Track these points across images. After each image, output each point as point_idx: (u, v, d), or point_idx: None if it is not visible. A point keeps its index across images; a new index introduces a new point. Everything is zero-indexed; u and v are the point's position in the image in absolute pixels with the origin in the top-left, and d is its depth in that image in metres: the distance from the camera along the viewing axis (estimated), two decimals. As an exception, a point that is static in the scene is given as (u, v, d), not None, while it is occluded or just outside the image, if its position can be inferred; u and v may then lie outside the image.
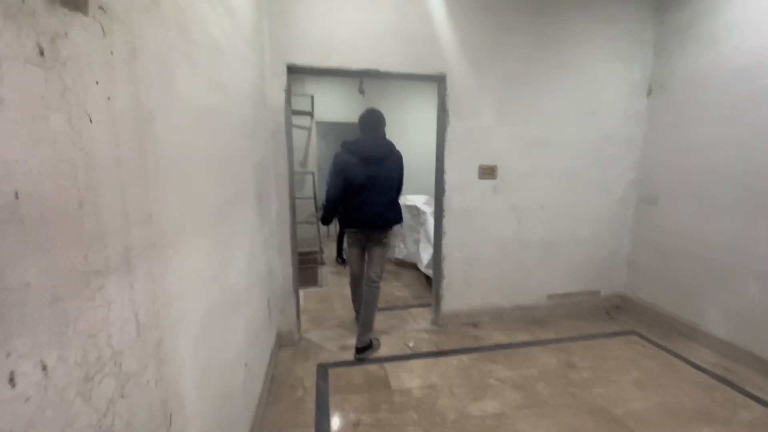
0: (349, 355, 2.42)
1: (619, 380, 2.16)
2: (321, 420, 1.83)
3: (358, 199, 2.33)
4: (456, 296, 2.83)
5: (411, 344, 2.57)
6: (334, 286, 3.73)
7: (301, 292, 3.49)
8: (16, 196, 0.43)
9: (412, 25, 2.44)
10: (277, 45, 2.26)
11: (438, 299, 2.82)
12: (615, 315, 3.07)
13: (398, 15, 2.41)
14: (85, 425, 0.53)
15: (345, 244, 4.18)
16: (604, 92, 2.86)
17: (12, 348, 0.42)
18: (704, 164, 2.53)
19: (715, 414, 1.88)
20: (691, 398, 2.00)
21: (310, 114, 5.31)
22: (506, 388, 2.08)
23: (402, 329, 2.80)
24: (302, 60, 2.32)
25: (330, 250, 5.04)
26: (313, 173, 5.09)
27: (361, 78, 2.51)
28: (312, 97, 5.27)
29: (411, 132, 5.77)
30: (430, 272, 3.31)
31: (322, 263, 4.57)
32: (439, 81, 2.58)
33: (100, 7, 0.59)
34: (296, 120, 5.31)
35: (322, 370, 2.25)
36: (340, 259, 4.55)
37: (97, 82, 0.58)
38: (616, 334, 2.74)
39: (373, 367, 2.29)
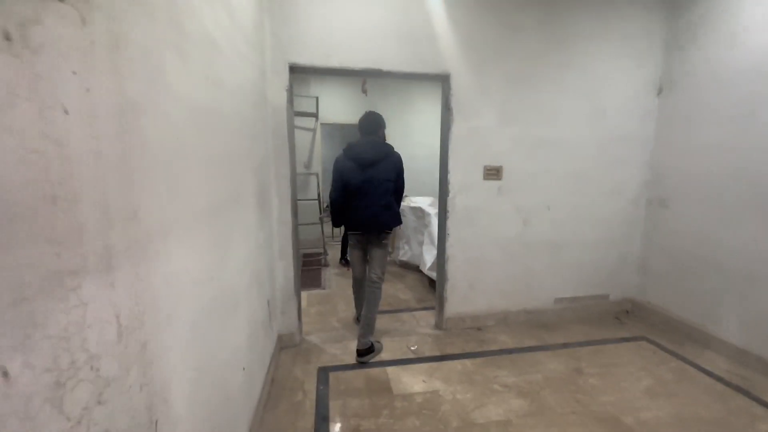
0: (351, 358, 2.38)
1: (629, 387, 2.09)
2: (320, 425, 1.79)
3: (355, 202, 2.38)
4: (460, 299, 2.77)
5: (414, 348, 2.52)
6: (338, 288, 3.70)
7: (304, 293, 3.46)
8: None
9: (416, 24, 2.41)
10: (278, 44, 2.24)
11: (441, 302, 2.77)
12: (625, 320, 2.99)
13: (401, 13, 2.38)
14: (54, 434, 0.50)
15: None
16: (612, 91, 2.80)
17: (-34, 352, 0.39)
18: (718, 165, 2.45)
19: (731, 425, 1.80)
20: (705, 408, 1.92)
21: (315, 115, 5.30)
22: (511, 394, 2.02)
23: (405, 332, 2.75)
24: (304, 59, 2.30)
25: (334, 252, 5.01)
26: (317, 174, 5.07)
27: (364, 78, 2.46)
28: (317, 99, 5.26)
29: (415, 133, 5.74)
30: (433, 275, 3.26)
31: (326, 265, 4.54)
32: (443, 80, 2.54)
33: (79, -6, 0.57)
34: (301, 121, 5.32)
35: (323, 373, 2.22)
36: (344, 260, 4.52)
37: (74, 72, 0.55)
38: (625, 339, 2.66)
39: (374, 371, 2.24)
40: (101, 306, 0.60)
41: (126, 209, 0.69)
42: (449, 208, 2.65)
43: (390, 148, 2.43)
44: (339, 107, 5.43)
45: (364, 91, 2.68)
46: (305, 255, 4.87)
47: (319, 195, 4.93)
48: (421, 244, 3.83)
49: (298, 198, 5.29)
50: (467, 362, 2.34)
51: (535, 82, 2.64)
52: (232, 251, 1.41)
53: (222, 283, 1.29)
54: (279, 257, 2.44)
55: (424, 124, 5.63)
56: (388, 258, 3.69)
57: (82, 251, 0.56)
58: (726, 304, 2.42)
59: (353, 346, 2.51)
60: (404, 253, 4.24)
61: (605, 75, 2.75)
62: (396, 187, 2.46)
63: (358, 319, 2.81)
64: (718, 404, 1.95)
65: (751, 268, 2.26)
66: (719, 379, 2.17)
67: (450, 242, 2.69)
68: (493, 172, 2.69)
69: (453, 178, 2.62)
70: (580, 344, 2.58)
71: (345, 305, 3.22)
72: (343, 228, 3.88)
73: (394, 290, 3.61)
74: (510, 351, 2.48)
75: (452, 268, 2.72)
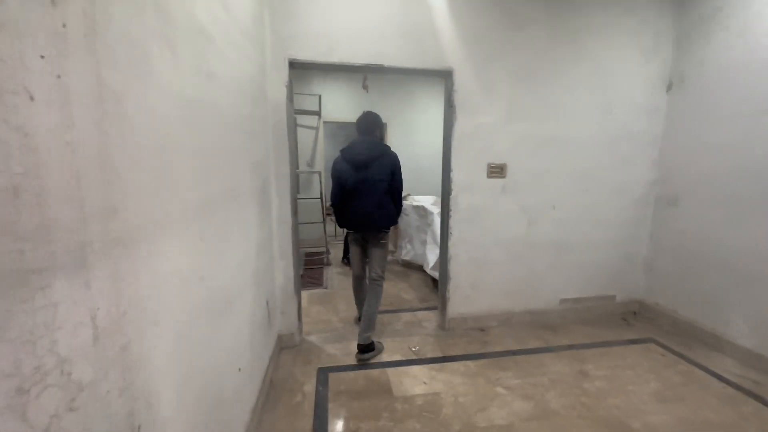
0: (351, 358, 2.35)
1: (636, 391, 2.03)
2: (318, 427, 1.75)
3: (351, 202, 2.40)
4: (463, 299, 2.72)
5: (415, 348, 2.48)
6: (340, 288, 3.66)
7: (305, 293, 3.43)
8: None
9: (418, 19, 2.36)
10: (278, 39, 2.21)
11: (444, 302, 2.72)
12: (632, 321, 2.92)
13: (404, 7, 2.33)
14: (17, 445, 0.46)
15: (350, 245, 4.12)
16: (620, 87, 2.73)
17: None
18: (730, 163, 2.37)
19: (743, 431, 1.74)
20: (715, 413, 1.86)
21: (318, 113, 5.27)
22: (515, 397, 1.97)
23: (406, 333, 2.71)
24: (304, 55, 2.26)
25: (337, 251, 4.98)
26: (320, 173, 5.04)
27: (365, 74, 2.42)
28: (319, 97, 5.23)
29: (419, 131, 5.69)
30: (436, 274, 3.21)
31: (328, 264, 4.51)
32: (446, 76, 2.49)
33: (48, -27, 0.53)
34: (304, 119, 5.29)
35: (323, 374, 2.18)
36: (346, 260, 4.48)
37: (42, 56, 0.52)
38: (632, 341, 2.59)
39: (374, 372, 2.20)
40: (74, 306, 0.57)
41: (105, 204, 0.65)
42: (452, 206, 2.60)
43: (386, 147, 2.40)
44: (342, 105, 5.39)
45: (365, 88, 2.65)
46: (307, 254, 4.85)
47: (321, 193, 4.90)
48: (424, 243, 3.78)
49: (301, 197, 5.28)
50: (470, 364, 2.29)
51: (541, 78, 2.58)
52: (227, 250, 1.38)
53: (216, 282, 1.26)
54: (279, 256, 2.41)
55: (428, 122, 5.58)
56: (390, 257, 3.64)
57: (51, 249, 0.52)
58: (736, 306, 2.35)
59: (354, 346, 2.47)
60: (407, 253, 4.20)
61: (613, 71, 2.69)
62: (392, 186, 2.41)
63: (359, 319, 2.77)
64: (728, 409, 1.89)
65: (763, 269, 2.19)
66: (730, 383, 2.10)
67: (453, 241, 2.64)
68: (497, 170, 2.63)
69: (456, 176, 2.57)
70: (586, 346, 2.52)
71: (346, 305, 3.18)
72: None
73: (396, 290, 3.56)
74: (513, 353, 2.43)
75: (455, 267, 2.67)
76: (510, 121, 2.59)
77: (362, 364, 2.30)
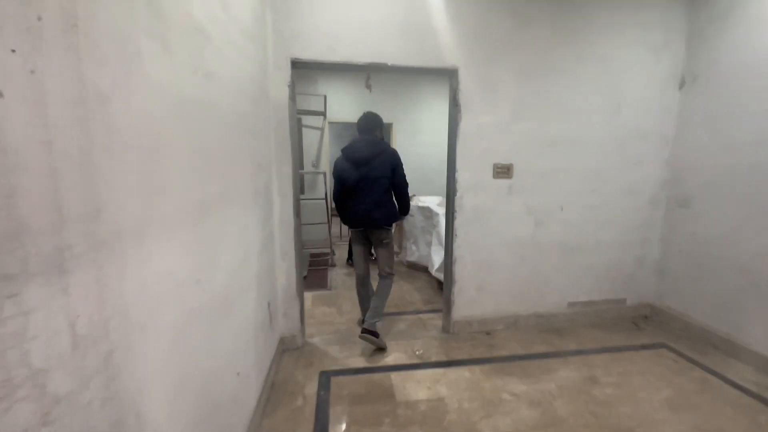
0: (354, 361, 2.31)
1: (647, 399, 1.96)
2: (319, 433, 1.72)
3: (351, 200, 2.44)
4: (468, 302, 2.67)
5: (419, 352, 2.43)
6: (344, 289, 3.63)
7: (309, 294, 3.41)
8: None
9: (422, 17, 2.32)
10: (280, 38, 2.18)
11: (449, 305, 2.68)
12: (643, 325, 2.84)
13: (407, 6, 2.29)
14: (-19, 464, 0.44)
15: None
16: (630, 85, 2.66)
17: None
18: (745, 162, 2.29)
19: (760, 442, 1.67)
20: (730, 422, 1.79)
21: (323, 114, 5.25)
22: (521, 404, 1.92)
23: (411, 335, 2.66)
24: (307, 54, 2.24)
25: (342, 252, 4.95)
26: (324, 174, 5.02)
27: (368, 73, 2.39)
28: (324, 97, 5.21)
29: (424, 131, 5.64)
30: (441, 276, 3.16)
31: (333, 265, 4.49)
32: (450, 75, 2.44)
33: (21, -37, 0.50)
34: (309, 120, 5.28)
35: (324, 377, 2.15)
36: (351, 261, 4.45)
37: (13, 51, 0.49)
38: (644, 346, 2.51)
39: (377, 376, 2.16)
40: (50, 315, 0.54)
41: (87, 206, 0.63)
42: (457, 207, 2.55)
43: (385, 145, 2.43)
44: (347, 106, 5.37)
45: (368, 87, 2.62)
46: (312, 255, 4.83)
47: (326, 194, 4.88)
48: (429, 244, 3.73)
49: (306, 197, 5.28)
50: (475, 368, 2.24)
51: (548, 76, 2.52)
52: (225, 251, 1.35)
53: (214, 284, 1.23)
54: (281, 258, 2.38)
55: (434, 122, 5.53)
56: (396, 258, 3.61)
57: (22, 254, 0.50)
58: (752, 310, 2.26)
59: (357, 349, 2.45)
60: (412, 254, 4.15)
61: (621, 68, 2.61)
62: (394, 182, 2.44)
63: (362, 321, 2.74)
64: (744, 418, 1.81)
65: (782, 273, 2.11)
66: (746, 391, 2.02)
67: (458, 243, 2.59)
68: (503, 171, 2.58)
69: (461, 176, 2.52)
70: (595, 351, 2.45)
71: (350, 306, 3.15)
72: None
73: (401, 292, 3.52)
74: (520, 357, 2.37)
75: (460, 269, 2.62)
76: (516, 120, 2.53)
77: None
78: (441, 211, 3.49)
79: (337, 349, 2.47)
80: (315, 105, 5.19)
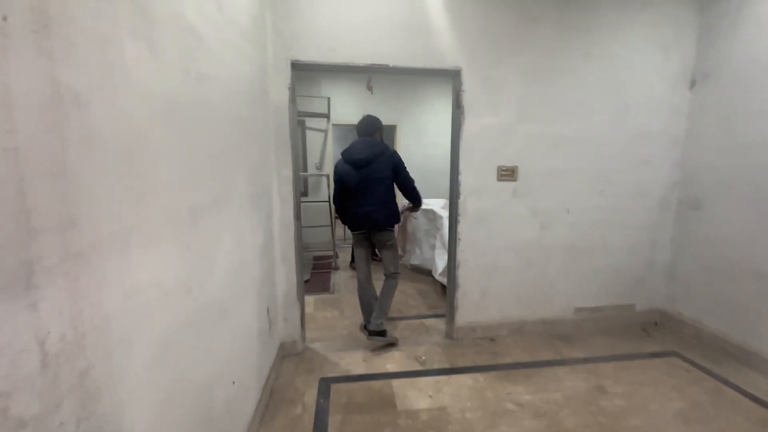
0: (354, 368, 2.27)
1: (658, 411, 1.89)
2: (318, 443, 1.68)
3: (353, 202, 2.45)
4: (472, 307, 2.62)
5: (422, 359, 2.38)
6: (347, 292, 3.59)
7: (311, 298, 3.38)
8: None
9: (425, 16, 2.28)
10: (280, 40, 2.16)
11: (452, 310, 2.62)
12: (653, 332, 2.76)
13: (409, 5, 2.25)
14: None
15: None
16: (639, 85, 2.58)
17: None
18: (760, 163, 2.21)
19: (778, 458, 1.59)
20: (747, 436, 1.71)
21: (327, 116, 5.23)
22: (526, 414, 1.86)
23: (413, 341, 2.61)
24: (307, 56, 2.21)
25: (345, 255, 4.92)
26: (328, 176, 4.99)
27: (369, 74, 2.36)
28: (328, 99, 5.19)
29: (429, 133, 5.59)
30: (445, 280, 3.10)
31: (336, 268, 4.45)
32: (453, 76, 2.40)
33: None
34: (313, 122, 5.26)
35: (324, 385, 2.11)
36: (355, 264, 4.41)
37: (-28, 52, 0.46)
38: (654, 354, 2.44)
39: (378, 384, 2.12)
40: (14, 333, 0.51)
41: (60, 216, 0.59)
42: (460, 211, 2.50)
43: (384, 146, 2.43)
44: (351, 108, 5.33)
45: (369, 89, 2.59)
46: (315, 257, 4.80)
47: (330, 196, 4.85)
48: (432, 248, 3.68)
49: (309, 200, 5.26)
50: (478, 376, 2.18)
51: (553, 76, 2.46)
52: (220, 258, 1.32)
53: (207, 292, 1.20)
54: (281, 262, 2.35)
55: (438, 123, 5.47)
56: (400, 261, 3.57)
57: (-20, 269, 0.46)
58: (769, 318, 2.18)
59: (358, 355, 2.41)
60: (416, 257, 4.10)
61: (630, 67, 2.55)
62: (399, 183, 2.49)
63: (365, 327, 2.70)
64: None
65: (800, 279, 2.02)
66: (763, 403, 1.94)
67: (461, 247, 2.54)
68: (507, 173, 2.52)
69: (464, 179, 2.47)
70: (603, 359, 2.37)
71: (352, 311, 3.11)
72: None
73: (404, 296, 3.47)
74: (525, 365, 2.31)
75: (463, 274, 2.57)
76: (521, 121, 2.47)
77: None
78: (445, 214, 3.44)
79: (338, 354, 2.43)
80: (319, 107, 5.17)
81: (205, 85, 1.21)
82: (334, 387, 2.09)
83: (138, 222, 0.82)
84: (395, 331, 2.74)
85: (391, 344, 2.50)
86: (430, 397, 1.99)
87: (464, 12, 2.31)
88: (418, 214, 3.95)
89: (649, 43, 2.54)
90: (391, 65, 2.28)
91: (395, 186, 2.53)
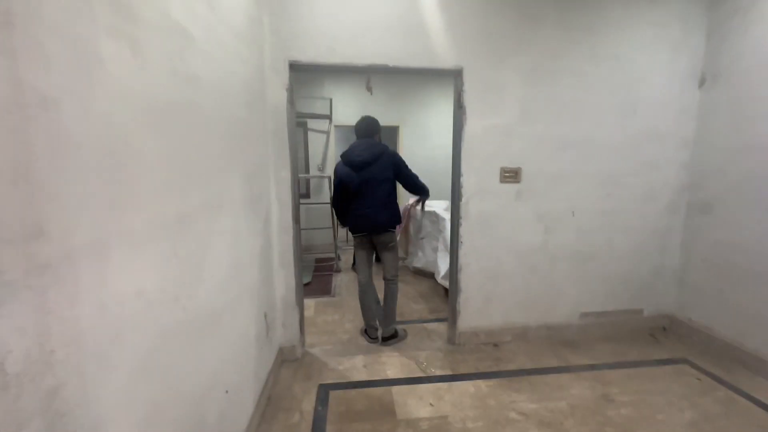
0: (354, 374, 2.22)
1: (667, 421, 1.82)
2: (314, 453, 1.64)
3: (354, 204, 2.43)
4: (474, 312, 2.56)
5: (423, 365, 2.33)
6: (348, 295, 3.55)
7: (312, 301, 3.34)
8: None
9: (425, 16, 2.23)
10: (277, 40, 2.12)
11: (454, 315, 2.57)
12: (661, 338, 2.68)
13: (410, 4, 2.21)
14: None
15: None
16: (646, 85, 2.51)
17: None
18: (773, 165, 2.13)
19: (795, 474, 1.52)
20: (761, 450, 1.64)
21: (329, 117, 5.20)
22: (530, 424, 1.80)
23: (415, 346, 2.56)
24: (306, 56, 2.17)
25: (347, 257, 4.88)
26: (330, 178, 4.95)
27: (369, 75, 2.33)
28: (330, 100, 5.17)
29: (432, 134, 5.54)
30: (447, 284, 3.05)
31: (338, 270, 4.41)
32: (454, 76, 2.35)
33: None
34: (315, 123, 5.23)
35: (323, 391, 2.06)
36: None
37: None
38: (663, 362, 2.36)
39: (378, 391, 2.07)
40: (-33, 354, 0.47)
41: (24, 226, 0.56)
42: (462, 213, 2.45)
43: (384, 147, 2.43)
44: (354, 109, 5.29)
45: (369, 90, 2.55)
46: (318, 260, 4.77)
47: (331, 198, 4.82)
48: (435, 250, 3.62)
49: (311, 201, 5.23)
50: (481, 383, 2.13)
51: (558, 75, 2.40)
52: (211, 264, 1.28)
53: (196, 300, 1.16)
54: (279, 265, 2.31)
55: (441, 124, 5.42)
56: (401, 263, 3.51)
57: (-77, 287, 0.42)
58: (784, 325, 2.10)
59: (358, 360, 2.37)
60: (418, 260, 4.05)
61: (637, 66, 2.48)
62: (401, 180, 2.49)
63: (365, 331, 2.66)
64: (777, 446, 1.66)
65: (817, 285, 1.94)
66: (777, 414, 1.87)
67: (463, 251, 2.49)
68: (511, 175, 2.47)
69: (466, 181, 2.42)
70: (610, 366, 2.31)
71: (353, 314, 3.06)
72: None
73: (406, 299, 3.42)
74: (529, 372, 2.25)
75: (466, 278, 2.51)
76: (524, 122, 2.42)
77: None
78: (447, 216, 3.38)
79: (337, 359, 2.39)
80: (321, 108, 5.14)
81: (195, 86, 1.17)
82: (333, 394, 2.04)
83: (118, 229, 0.78)
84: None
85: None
86: (431, 405, 1.94)
87: (465, 10, 2.26)
88: (421, 215, 3.90)
89: (656, 42, 2.47)
90: (391, 65, 2.24)
91: (399, 185, 2.54)
